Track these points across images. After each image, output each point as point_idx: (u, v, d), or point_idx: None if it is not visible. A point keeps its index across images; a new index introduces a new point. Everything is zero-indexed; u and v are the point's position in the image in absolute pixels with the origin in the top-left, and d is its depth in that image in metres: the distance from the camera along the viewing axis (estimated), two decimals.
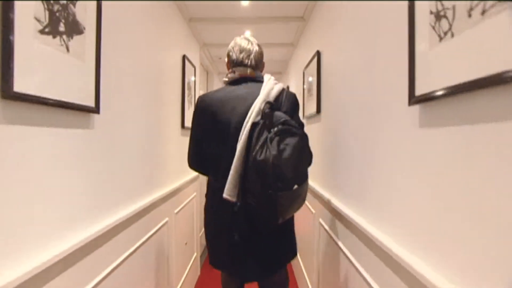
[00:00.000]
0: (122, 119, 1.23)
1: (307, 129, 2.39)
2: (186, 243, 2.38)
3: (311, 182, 2.15)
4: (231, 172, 1.23)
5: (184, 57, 2.24)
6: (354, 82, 1.26)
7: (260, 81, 1.41)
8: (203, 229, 3.44)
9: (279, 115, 1.23)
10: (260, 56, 1.46)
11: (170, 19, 1.96)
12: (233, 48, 1.45)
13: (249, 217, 1.28)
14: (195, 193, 2.77)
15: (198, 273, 2.94)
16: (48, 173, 0.79)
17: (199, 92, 3.20)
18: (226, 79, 1.45)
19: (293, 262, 2.98)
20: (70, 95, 0.85)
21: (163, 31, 1.81)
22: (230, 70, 1.44)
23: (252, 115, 1.26)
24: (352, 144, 1.30)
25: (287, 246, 1.44)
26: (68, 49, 0.83)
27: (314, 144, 2.10)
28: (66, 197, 0.87)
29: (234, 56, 1.43)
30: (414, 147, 0.77)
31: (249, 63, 1.42)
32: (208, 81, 4.01)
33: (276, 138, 1.16)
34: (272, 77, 1.41)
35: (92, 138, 1.00)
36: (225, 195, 1.23)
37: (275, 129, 1.18)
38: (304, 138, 1.24)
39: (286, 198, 1.15)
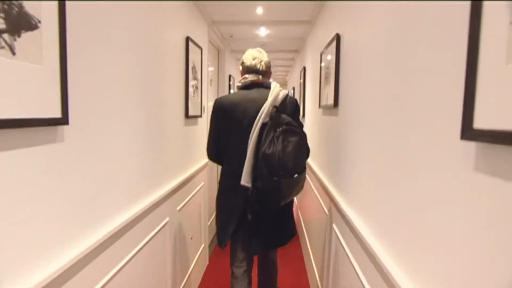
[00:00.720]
0: (104, 121, 1.06)
1: (322, 120, 2.18)
2: (191, 237, 2.28)
3: (325, 179, 1.96)
4: (246, 163, 1.50)
5: (187, 39, 2.03)
6: (383, 80, 1.03)
7: (268, 87, 1.64)
8: (212, 217, 3.38)
9: (284, 117, 1.49)
10: (268, 64, 1.72)
11: None
12: (246, 56, 1.70)
13: (259, 200, 1.50)
14: (203, 183, 2.65)
15: (207, 262, 2.88)
16: (12, 205, 0.65)
17: (208, 73, 2.99)
18: (240, 84, 1.69)
19: (306, 261, 2.88)
20: (21, 109, 0.68)
21: (161, 11, 1.60)
22: (244, 76, 1.69)
23: (262, 116, 1.52)
24: (373, 154, 1.09)
25: (286, 229, 1.74)
26: (13, 52, 0.65)
27: (329, 139, 1.89)
28: (37, 226, 0.73)
29: (247, 63, 1.68)
30: (462, 192, 0.56)
31: (260, 69, 1.67)
32: (219, 60, 3.77)
33: (281, 136, 1.43)
34: (278, 85, 1.64)
35: (62, 152, 0.84)
36: (242, 182, 1.50)
37: (280, 128, 1.45)
38: (303, 136, 1.52)
39: (287, 184, 1.43)
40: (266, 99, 1.55)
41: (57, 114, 0.79)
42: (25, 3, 0.67)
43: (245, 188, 1.52)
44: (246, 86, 1.66)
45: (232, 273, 1.75)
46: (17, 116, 0.66)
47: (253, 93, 1.62)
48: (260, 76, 1.66)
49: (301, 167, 1.48)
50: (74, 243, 0.90)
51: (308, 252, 2.66)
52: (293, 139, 1.44)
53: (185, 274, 2.13)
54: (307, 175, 2.77)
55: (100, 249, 1.02)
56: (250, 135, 1.51)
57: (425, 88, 0.74)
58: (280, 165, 1.39)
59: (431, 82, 0.71)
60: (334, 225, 1.66)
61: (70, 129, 0.86)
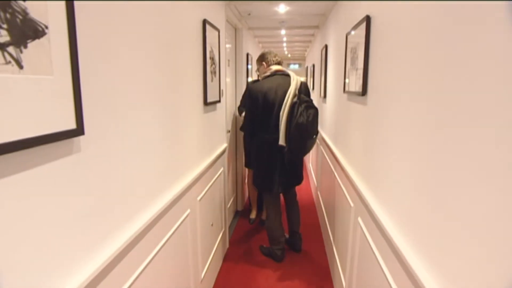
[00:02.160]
0: (121, 123, 1.01)
1: (347, 106, 2.07)
2: (212, 224, 2.29)
3: (350, 169, 1.89)
4: (281, 129, 2.22)
5: (204, 22, 1.92)
6: (424, 72, 0.92)
7: (285, 74, 2.39)
8: (231, 200, 3.39)
9: (304, 97, 2.23)
10: (280, 58, 2.53)
11: None
12: (266, 55, 2.50)
13: (292, 154, 2.27)
14: (222, 168, 2.62)
15: (227, 245, 2.91)
16: (38, 220, 0.62)
17: (226, 54, 2.88)
18: (267, 74, 2.41)
19: (328, 253, 2.87)
20: (34, 127, 0.63)
21: None
22: (269, 68, 2.44)
23: (290, 97, 2.22)
24: (407, 153, 1.00)
25: (299, 175, 2.57)
26: (21, 66, 0.59)
27: (356, 129, 1.79)
28: (62, 239, 0.70)
29: (270, 58, 2.47)
30: None
31: (279, 61, 2.49)
32: (237, 39, 3.62)
33: (305, 110, 2.16)
34: (294, 73, 2.37)
35: (80, 163, 0.80)
36: (280, 143, 2.23)
37: (303, 105, 2.17)
38: (317, 109, 2.24)
39: (309, 143, 2.24)
40: (288, 84, 2.27)
41: (72, 125, 0.74)
42: (30, 9, 0.60)
43: (276, 148, 2.28)
44: (272, 74, 2.38)
45: (270, 203, 2.57)
46: (31, 135, 0.62)
47: (278, 79, 2.34)
48: (280, 66, 2.45)
49: (316, 131, 2.27)
50: (95, 253, 0.88)
51: (331, 244, 2.63)
52: (312, 111, 2.18)
53: (206, 261, 2.15)
54: (329, 161, 2.72)
55: (122, 254, 1.00)
56: (281, 111, 2.22)
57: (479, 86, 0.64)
58: (306, 130, 2.14)
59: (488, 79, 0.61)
60: (359, 219, 1.61)
61: (86, 138, 0.81)
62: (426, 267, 0.88)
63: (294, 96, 2.21)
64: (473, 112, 0.67)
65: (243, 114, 2.98)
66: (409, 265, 0.93)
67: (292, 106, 2.17)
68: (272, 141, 2.28)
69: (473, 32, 0.67)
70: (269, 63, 2.44)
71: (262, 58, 2.51)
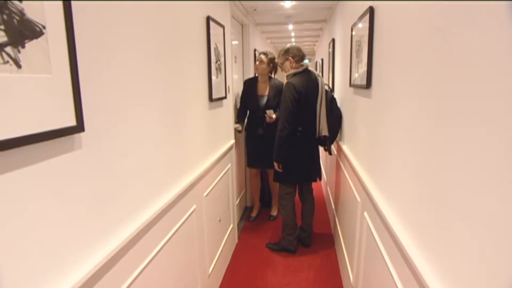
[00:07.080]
0: (124, 119, 1.03)
1: (353, 99, 2.05)
2: (219, 220, 2.31)
3: (357, 164, 1.87)
4: (323, 122, 2.45)
5: (208, 19, 1.92)
6: (428, 65, 0.91)
7: (311, 71, 2.51)
8: (240, 196, 3.39)
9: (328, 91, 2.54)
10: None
11: None
12: (294, 50, 2.48)
13: (331, 142, 2.60)
14: (229, 164, 2.63)
15: (236, 241, 2.93)
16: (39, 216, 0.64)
17: (232, 50, 2.88)
18: (299, 70, 2.44)
19: (337, 248, 2.86)
20: (35, 124, 0.65)
21: None
22: (298, 65, 2.47)
23: (323, 92, 2.44)
24: (409, 146, 0.99)
25: (320, 167, 2.74)
26: (19, 65, 0.61)
27: (362, 122, 1.77)
28: (59, 235, 0.73)
29: (300, 53, 2.48)
30: None
31: (304, 55, 2.53)
32: (243, 35, 3.62)
33: (336, 104, 2.57)
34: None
35: (81, 160, 0.82)
36: (324, 134, 2.46)
37: (335, 99, 2.58)
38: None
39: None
40: (316, 79, 2.46)
41: (72, 122, 0.76)
42: (27, 9, 0.62)
43: (309, 140, 2.50)
44: (303, 71, 2.44)
45: (288, 193, 2.64)
46: (30, 132, 0.64)
47: (310, 75, 2.46)
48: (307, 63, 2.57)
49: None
50: (97, 247, 0.90)
51: (340, 239, 2.62)
52: (335, 102, 2.56)
53: (214, 257, 2.17)
54: (337, 155, 2.69)
55: (126, 249, 1.02)
56: (319, 104, 2.42)
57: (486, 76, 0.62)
58: (341, 120, 2.55)
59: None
60: (365, 214, 1.59)
61: (87, 135, 0.83)
62: (432, 268, 0.87)
63: (325, 91, 2.45)
64: (476, 105, 0.65)
65: (248, 113, 2.98)
66: (412, 261, 0.92)
67: (330, 100, 2.47)
68: (307, 134, 2.46)
69: (480, 22, 0.66)
70: (296, 58, 2.46)
71: (287, 53, 2.48)
